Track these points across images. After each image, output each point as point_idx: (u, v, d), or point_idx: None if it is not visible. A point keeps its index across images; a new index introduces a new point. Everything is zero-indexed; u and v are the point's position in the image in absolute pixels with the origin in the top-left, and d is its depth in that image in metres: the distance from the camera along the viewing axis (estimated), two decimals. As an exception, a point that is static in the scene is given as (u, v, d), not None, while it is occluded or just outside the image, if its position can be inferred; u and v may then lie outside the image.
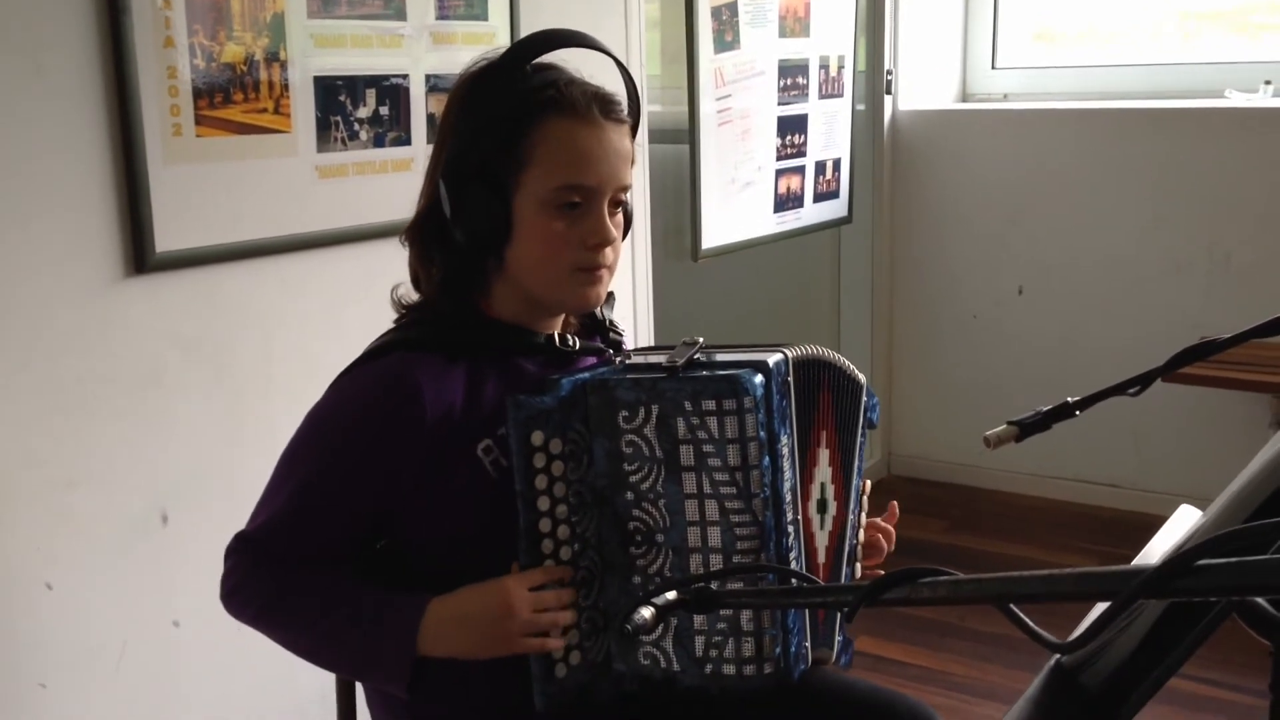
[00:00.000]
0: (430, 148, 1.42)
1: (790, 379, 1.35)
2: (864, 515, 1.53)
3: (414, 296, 1.43)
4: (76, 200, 1.82)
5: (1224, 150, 3.52)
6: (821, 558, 1.43)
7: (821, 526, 1.42)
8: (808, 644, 1.36)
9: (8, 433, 1.78)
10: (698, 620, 1.29)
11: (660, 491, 1.29)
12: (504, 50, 1.37)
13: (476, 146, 1.33)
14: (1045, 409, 1.31)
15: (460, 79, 1.39)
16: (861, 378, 1.48)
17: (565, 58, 1.38)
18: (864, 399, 1.48)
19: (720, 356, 1.35)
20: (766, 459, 1.28)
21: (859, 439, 1.47)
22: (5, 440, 1.77)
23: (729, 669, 1.30)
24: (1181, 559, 0.68)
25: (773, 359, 1.32)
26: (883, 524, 1.56)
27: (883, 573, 1.48)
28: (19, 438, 1.79)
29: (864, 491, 1.52)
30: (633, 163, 1.40)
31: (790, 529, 1.34)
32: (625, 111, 1.38)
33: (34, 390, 1.80)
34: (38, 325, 1.79)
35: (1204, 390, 3.41)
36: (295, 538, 1.34)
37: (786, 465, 1.33)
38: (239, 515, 1.43)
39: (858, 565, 1.51)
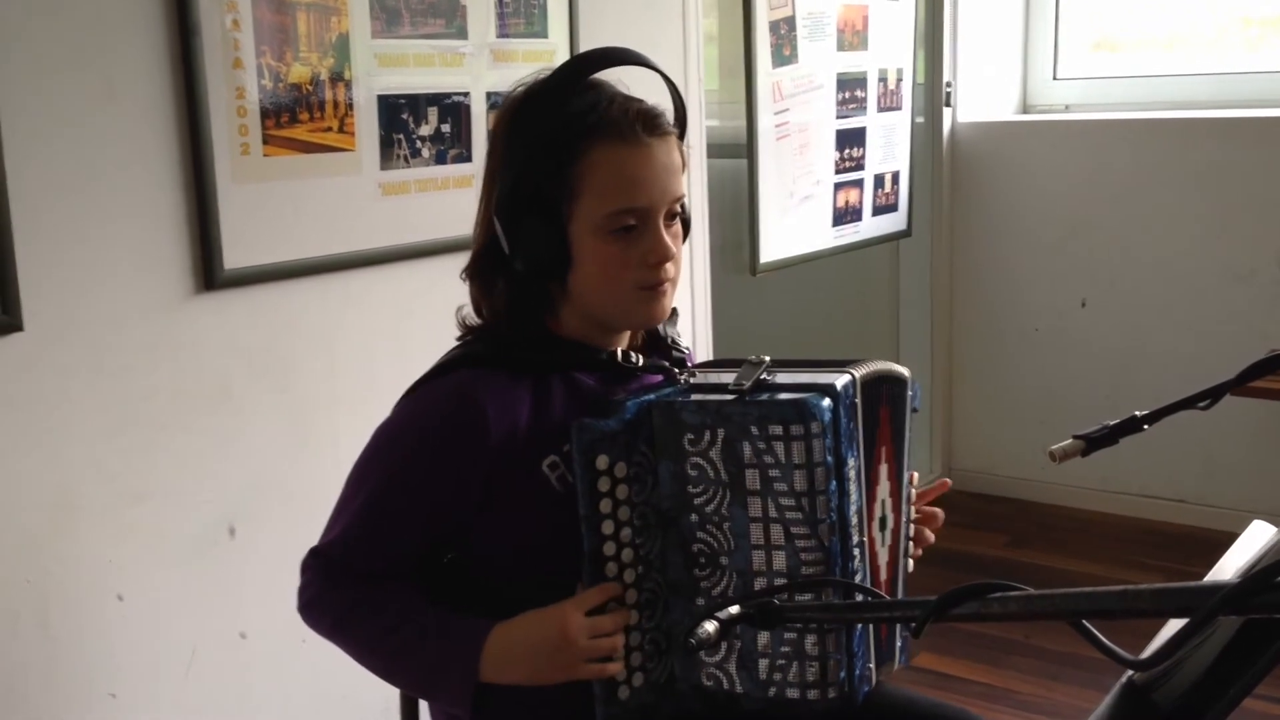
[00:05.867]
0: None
1: (858, 400, 1.32)
2: (913, 509, 1.49)
3: (478, 320, 1.43)
4: (148, 219, 1.85)
5: (1290, 159, 3.46)
6: (884, 575, 1.41)
7: (883, 544, 1.40)
8: (872, 665, 1.34)
9: (79, 447, 1.81)
10: (761, 643, 1.28)
11: (725, 514, 1.28)
12: (545, 73, 1.35)
13: (527, 178, 1.32)
14: (1112, 423, 1.28)
15: (504, 105, 1.38)
16: (905, 372, 1.43)
17: (609, 72, 1.36)
18: (908, 393, 1.44)
19: (786, 377, 1.32)
20: (833, 483, 1.26)
21: (905, 436, 1.44)
22: (76, 454, 1.81)
23: (793, 693, 1.28)
24: (1263, 574, 0.67)
25: (840, 382, 1.29)
26: (930, 510, 1.52)
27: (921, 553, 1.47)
28: (90, 452, 1.82)
29: (911, 483, 1.48)
30: (685, 167, 1.38)
31: (856, 552, 1.32)
32: (671, 123, 1.36)
33: (105, 405, 1.83)
34: (109, 341, 1.83)
35: (1274, 404, 3.34)
36: (365, 552, 1.36)
37: (853, 488, 1.31)
38: (305, 528, 1.45)
39: (910, 560, 1.49)
